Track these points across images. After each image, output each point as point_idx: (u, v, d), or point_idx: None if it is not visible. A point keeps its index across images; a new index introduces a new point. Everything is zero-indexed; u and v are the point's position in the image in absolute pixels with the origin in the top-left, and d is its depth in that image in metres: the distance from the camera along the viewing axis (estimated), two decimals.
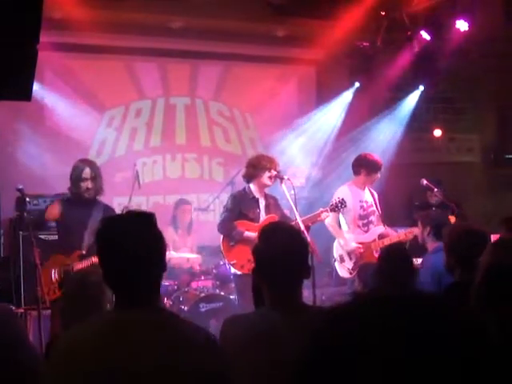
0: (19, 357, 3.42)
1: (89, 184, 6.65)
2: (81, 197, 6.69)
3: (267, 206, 7.41)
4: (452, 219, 7.72)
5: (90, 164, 6.81)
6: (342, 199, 7.54)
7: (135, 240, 2.62)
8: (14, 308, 7.02)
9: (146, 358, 2.45)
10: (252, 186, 7.40)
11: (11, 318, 3.61)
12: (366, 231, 7.95)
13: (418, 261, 6.61)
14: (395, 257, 4.58)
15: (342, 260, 7.88)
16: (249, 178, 7.43)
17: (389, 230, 7.97)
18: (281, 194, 7.43)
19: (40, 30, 3.73)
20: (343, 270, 7.89)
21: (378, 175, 8.02)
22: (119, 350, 2.47)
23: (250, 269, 7.07)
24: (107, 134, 10.03)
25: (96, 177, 6.69)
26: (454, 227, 5.26)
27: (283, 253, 3.11)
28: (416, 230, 6.89)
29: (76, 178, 6.68)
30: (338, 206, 7.51)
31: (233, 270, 7.38)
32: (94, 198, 6.72)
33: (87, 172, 6.65)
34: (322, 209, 7.41)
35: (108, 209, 6.82)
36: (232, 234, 7.25)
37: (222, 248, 7.40)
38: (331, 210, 7.49)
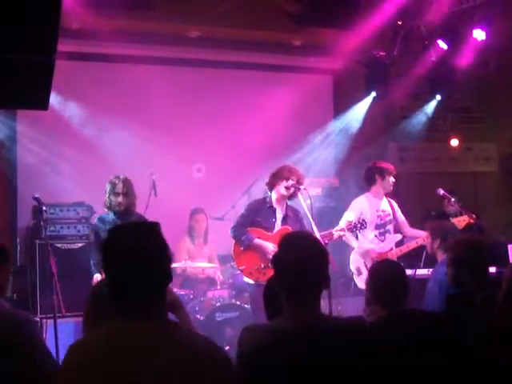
0: (38, 365, 3.44)
1: (120, 198, 7.10)
2: (113, 210, 7.16)
3: (285, 218, 7.39)
4: (461, 222, 7.67)
5: (124, 180, 7.21)
6: (363, 220, 7.52)
7: (137, 249, 2.60)
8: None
9: (150, 370, 2.45)
10: (272, 196, 7.40)
11: (30, 325, 3.62)
12: (383, 240, 7.94)
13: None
14: (384, 274, 4.50)
15: (359, 272, 7.85)
16: (268, 186, 7.45)
17: (420, 232, 7.90)
18: (297, 203, 7.43)
19: (57, 40, 3.75)
20: (361, 281, 7.86)
21: (393, 179, 8.03)
22: (124, 362, 2.46)
23: (257, 277, 7.19)
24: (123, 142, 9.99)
25: (128, 192, 7.16)
26: (458, 241, 5.22)
27: (303, 261, 3.08)
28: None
29: (109, 192, 7.17)
30: (357, 227, 7.50)
31: (245, 279, 7.39)
32: (126, 210, 7.13)
33: (120, 187, 7.13)
34: (338, 227, 7.39)
35: (142, 219, 6.98)
36: (242, 239, 7.27)
37: (232, 252, 7.43)
38: (348, 230, 7.47)
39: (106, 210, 7.28)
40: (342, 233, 7.35)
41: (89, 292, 3.42)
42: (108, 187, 7.20)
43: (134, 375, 2.44)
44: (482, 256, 4.83)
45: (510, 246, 8.16)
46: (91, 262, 7.34)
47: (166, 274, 2.67)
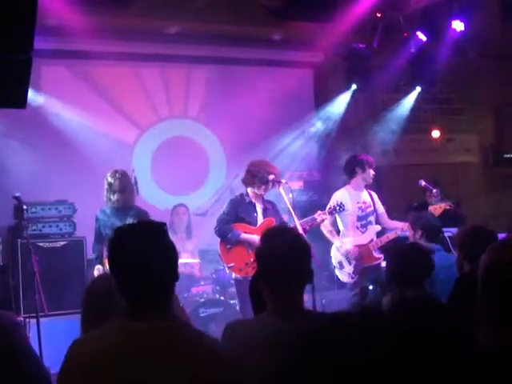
0: (23, 367, 3.41)
1: (117, 196, 7.14)
2: (111, 205, 7.21)
3: (265, 210, 7.40)
4: (437, 210, 7.73)
5: (120, 177, 7.22)
6: (341, 203, 7.56)
7: (146, 250, 2.62)
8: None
9: (160, 368, 2.45)
10: (249, 191, 7.38)
11: (15, 327, 3.59)
12: (364, 232, 7.97)
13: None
14: (411, 256, 4.64)
15: (341, 266, 7.89)
16: (247, 184, 7.41)
17: (399, 224, 7.95)
18: (278, 196, 7.43)
19: (33, 37, 3.71)
20: (344, 275, 7.89)
21: (373, 171, 8.05)
22: (132, 359, 2.47)
23: (247, 272, 7.14)
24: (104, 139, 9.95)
25: (124, 189, 7.19)
26: (464, 226, 5.51)
27: (286, 255, 3.08)
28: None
29: (107, 189, 7.21)
30: (336, 209, 7.54)
31: (233, 275, 7.37)
32: (124, 206, 7.18)
33: (116, 185, 7.15)
34: (320, 211, 7.41)
35: (142, 213, 7.20)
36: (228, 237, 7.25)
37: (219, 251, 7.40)
38: (329, 213, 7.51)
39: (106, 204, 7.33)
40: (324, 216, 7.39)
41: (86, 289, 3.40)
42: (105, 184, 7.23)
43: (144, 373, 2.45)
44: (479, 240, 4.90)
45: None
46: (93, 253, 7.53)
47: (173, 274, 2.69)
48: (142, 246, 2.62)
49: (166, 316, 2.63)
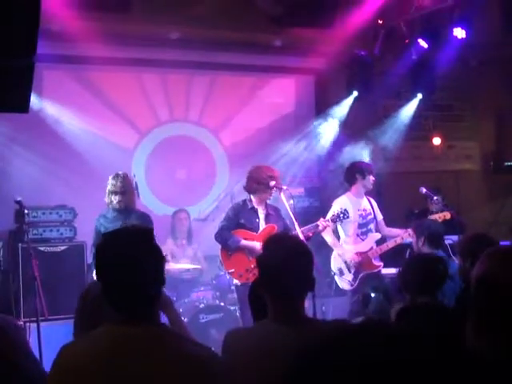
0: (23, 370, 3.41)
1: (119, 197, 7.18)
2: (113, 208, 7.25)
3: (267, 216, 7.39)
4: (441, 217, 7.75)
5: (122, 179, 7.28)
6: (345, 210, 7.55)
7: (132, 255, 2.63)
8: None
9: (143, 373, 2.46)
10: (253, 198, 7.38)
11: (15, 330, 3.59)
12: (364, 240, 7.96)
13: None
14: (425, 266, 4.66)
15: (341, 273, 7.88)
16: (249, 190, 7.40)
17: (397, 231, 7.97)
18: (278, 202, 7.42)
19: (37, 42, 3.73)
20: (343, 282, 7.88)
21: (373, 177, 8.05)
22: (125, 364, 2.48)
23: (247, 278, 7.14)
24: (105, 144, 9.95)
25: (126, 191, 7.24)
26: (466, 234, 5.60)
27: (288, 262, 3.08)
28: (409, 232, 7.00)
29: (108, 191, 7.26)
30: (340, 217, 7.52)
31: (234, 281, 7.36)
32: (126, 208, 7.23)
33: (118, 186, 7.20)
34: (322, 219, 7.40)
35: (144, 216, 7.30)
36: (228, 243, 7.25)
37: (220, 257, 7.40)
38: (332, 221, 7.50)
39: (108, 207, 7.36)
40: (325, 223, 7.37)
41: (80, 293, 3.41)
42: (107, 185, 7.28)
43: (136, 378, 2.46)
44: (481, 247, 4.91)
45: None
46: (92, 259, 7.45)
47: (159, 280, 2.70)
48: (128, 251, 2.64)
49: (154, 321, 2.66)
